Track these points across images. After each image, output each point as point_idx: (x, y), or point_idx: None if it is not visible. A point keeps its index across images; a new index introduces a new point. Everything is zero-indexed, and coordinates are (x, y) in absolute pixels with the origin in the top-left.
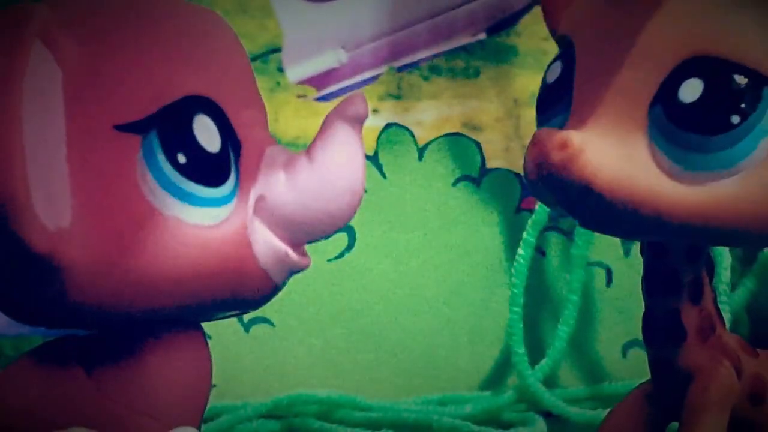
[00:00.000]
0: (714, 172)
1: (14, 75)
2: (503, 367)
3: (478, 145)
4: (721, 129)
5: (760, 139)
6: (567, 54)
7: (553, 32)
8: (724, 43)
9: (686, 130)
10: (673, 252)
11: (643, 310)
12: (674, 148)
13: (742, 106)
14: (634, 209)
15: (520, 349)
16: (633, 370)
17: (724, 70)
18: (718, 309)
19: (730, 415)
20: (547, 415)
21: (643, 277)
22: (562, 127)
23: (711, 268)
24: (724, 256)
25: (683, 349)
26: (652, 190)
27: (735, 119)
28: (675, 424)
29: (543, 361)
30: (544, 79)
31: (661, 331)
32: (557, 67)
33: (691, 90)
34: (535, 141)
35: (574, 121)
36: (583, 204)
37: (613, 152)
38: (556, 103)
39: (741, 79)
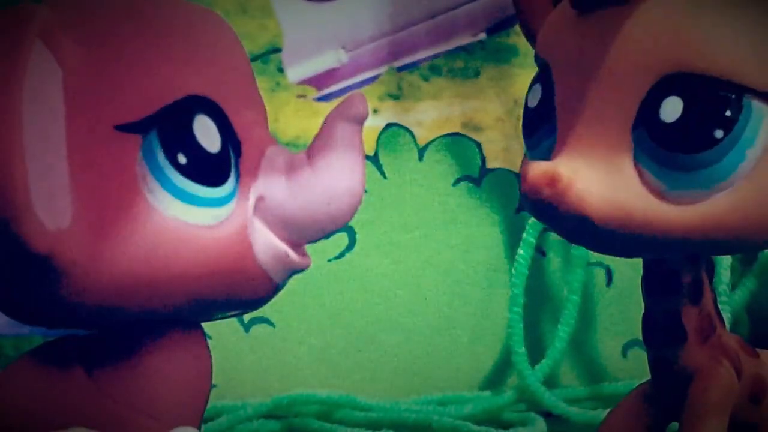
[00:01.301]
0: (705, 189)
1: (15, 75)
2: (503, 367)
3: (478, 145)
4: (705, 145)
5: (746, 150)
6: (545, 77)
7: (536, 55)
8: (698, 57)
9: (671, 150)
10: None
11: (643, 310)
12: (662, 168)
13: (725, 118)
14: (630, 233)
15: (520, 349)
16: (633, 370)
17: (701, 85)
18: (718, 309)
19: (731, 416)
20: (547, 415)
21: (643, 277)
22: (550, 151)
23: (711, 269)
24: (723, 257)
25: (683, 350)
26: (645, 214)
27: (719, 134)
28: (675, 425)
29: (543, 361)
30: (525, 102)
31: (661, 331)
32: (537, 91)
33: (671, 109)
34: (525, 176)
35: (560, 147)
36: (580, 232)
37: (602, 180)
38: (541, 126)
39: (720, 93)
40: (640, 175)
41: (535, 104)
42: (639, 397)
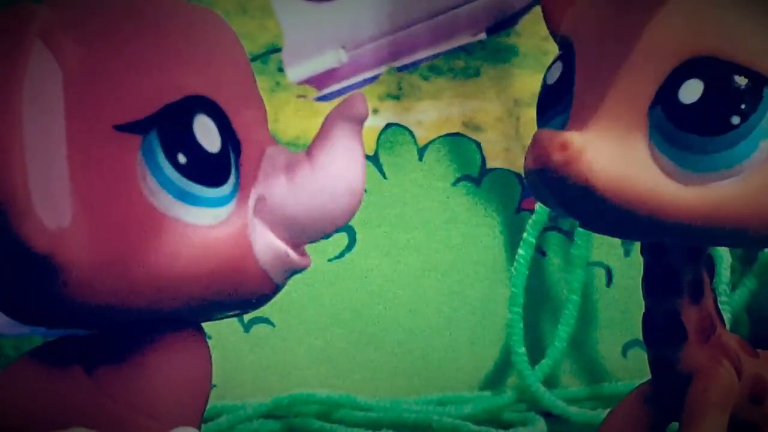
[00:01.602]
0: (714, 172)
1: (15, 75)
2: (503, 367)
3: (478, 145)
4: (721, 130)
5: (760, 140)
6: (567, 55)
7: (554, 34)
8: (724, 44)
9: (686, 130)
10: (673, 252)
11: (643, 310)
12: (674, 149)
13: (743, 106)
14: (634, 210)
15: (520, 349)
16: (633, 370)
17: (723, 70)
18: (718, 309)
19: (731, 416)
20: (547, 415)
21: (643, 277)
22: (562, 128)
23: (711, 269)
24: (724, 257)
25: (683, 350)
26: (651, 190)
27: (735, 120)
28: (675, 425)
29: (543, 361)
30: (544, 79)
31: (661, 331)
32: (558, 68)
33: (691, 91)
34: (536, 142)
35: (575, 122)
36: (584, 205)
37: (613, 153)
38: (557, 104)
39: (741, 80)
40: (652, 154)
41: (554, 81)
42: (639, 397)
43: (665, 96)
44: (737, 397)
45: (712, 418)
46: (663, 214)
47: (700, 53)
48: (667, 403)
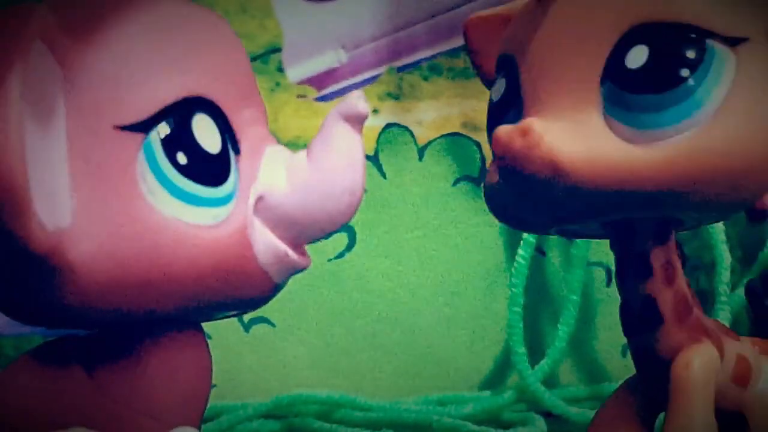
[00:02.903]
0: (672, 127)
1: (15, 75)
2: (503, 367)
3: (478, 145)
4: (672, 84)
5: (712, 89)
6: (509, 68)
7: (484, 78)
8: (660, 7)
9: (639, 92)
10: (641, 235)
11: (620, 303)
12: (630, 113)
13: (689, 58)
14: (603, 185)
15: (520, 349)
16: (633, 370)
17: (665, 31)
18: (693, 292)
19: (717, 401)
20: (547, 414)
21: (615, 271)
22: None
23: (682, 254)
24: (724, 257)
25: (662, 333)
26: (614, 159)
27: (684, 72)
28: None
29: (543, 361)
30: (490, 99)
31: (637, 317)
32: (501, 84)
33: (637, 56)
34: (497, 136)
35: (529, 115)
36: (548, 191)
37: (573, 133)
38: (506, 117)
39: (683, 35)
40: (610, 125)
41: (500, 96)
42: (627, 390)
43: (612, 68)
44: (721, 377)
45: (696, 393)
46: (629, 182)
47: (639, 21)
48: (653, 393)
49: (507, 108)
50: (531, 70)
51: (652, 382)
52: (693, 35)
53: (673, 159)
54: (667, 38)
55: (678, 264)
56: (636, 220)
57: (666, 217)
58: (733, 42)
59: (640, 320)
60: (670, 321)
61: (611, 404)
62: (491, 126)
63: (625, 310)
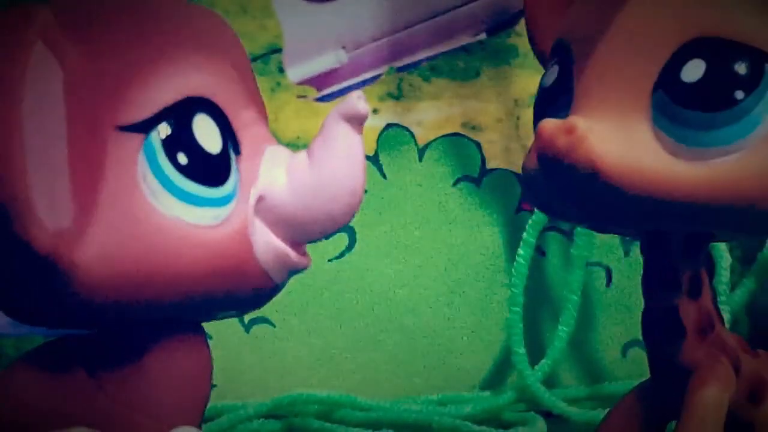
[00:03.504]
0: (719, 148)
1: (16, 75)
2: (503, 367)
3: (478, 145)
4: (725, 105)
5: (764, 114)
6: (564, 57)
7: (537, 50)
8: (723, 24)
9: (691, 108)
10: (673, 247)
11: (643, 308)
12: (679, 127)
13: (745, 80)
14: (640, 192)
15: (520, 349)
16: (633, 370)
17: (724, 48)
18: (717, 307)
19: (731, 415)
20: (547, 415)
21: (642, 275)
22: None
23: (711, 268)
24: (723, 257)
25: (682, 347)
26: (657, 171)
27: (739, 95)
28: (674, 424)
29: (543, 361)
30: (541, 83)
31: (659, 327)
32: (554, 71)
33: (693, 70)
34: (540, 131)
35: (578, 112)
36: (588, 194)
37: (617, 137)
38: (555, 105)
39: (742, 56)
40: (657, 136)
41: (551, 82)
42: (638, 396)
43: (667, 78)
44: (735, 395)
45: (709, 414)
46: (668, 193)
47: (699, 35)
48: (666, 401)
49: (556, 96)
50: (586, 66)
51: (666, 390)
52: (752, 57)
53: (717, 177)
54: (726, 57)
55: (705, 279)
56: (670, 231)
57: (699, 232)
58: None
59: (662, 331)
60: (691, 335)
61: (621, 408)
62: (538, 112)
63: (647, 319)
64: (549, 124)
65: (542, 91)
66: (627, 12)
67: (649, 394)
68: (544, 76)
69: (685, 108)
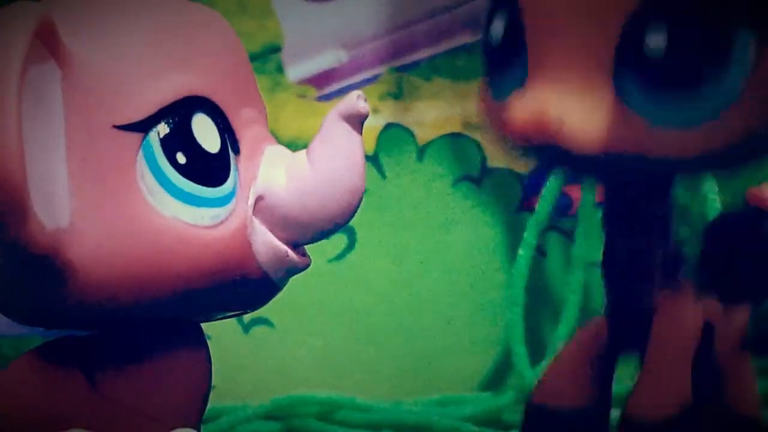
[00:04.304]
0: (691, 127)
1: (13, 75)
2: (503, 367)
3: (478, 145)
4: (694, 83)
5: (740, 77)
6: (510, 7)
7: None
8: None
9: (655, 85)
10: (637, 188)
11: (604, 246)
12: (645, 105)
13: (715, 51)
14: (621, 156)
15: (521, 350)
16: (633, 371)
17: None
18: (681, 256)
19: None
20: None
21: (603, 211)
22: (522, 84)
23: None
24: None
25: (646, 288)
26: (632, 139)
27: (709, 69)
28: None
29: (543, 362)
30: (485, 38)
31: (625, 269)
32: (500, 24)
33: (656, 38)
34: (511, 127)
35: (535, 81)
36: (569, 161)
37: (590, 115)
38: (508, 70)
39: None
40: (623, 111)
41: (499, 39)
42: (589, 331)
43: (627, 48)
44: (700, 334)
45: (676, 353)
46: (651, 155)
47: None
48: (621, 335)
49: (508, 57)
50: (537, 24)
51: (622, 325)
52: (718, 20)
53: (687, 140)
54: (690, 24)
55: (671, 222)
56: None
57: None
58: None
59: (628, 272)
60: (658, 277)
61: (570, 346)
62: (493, 76)
63: (609, 257)
64: (518, 120)
65: (490, 51)
66: None
67: (601, 329)
68: (489, 29)
69: (651, 85)
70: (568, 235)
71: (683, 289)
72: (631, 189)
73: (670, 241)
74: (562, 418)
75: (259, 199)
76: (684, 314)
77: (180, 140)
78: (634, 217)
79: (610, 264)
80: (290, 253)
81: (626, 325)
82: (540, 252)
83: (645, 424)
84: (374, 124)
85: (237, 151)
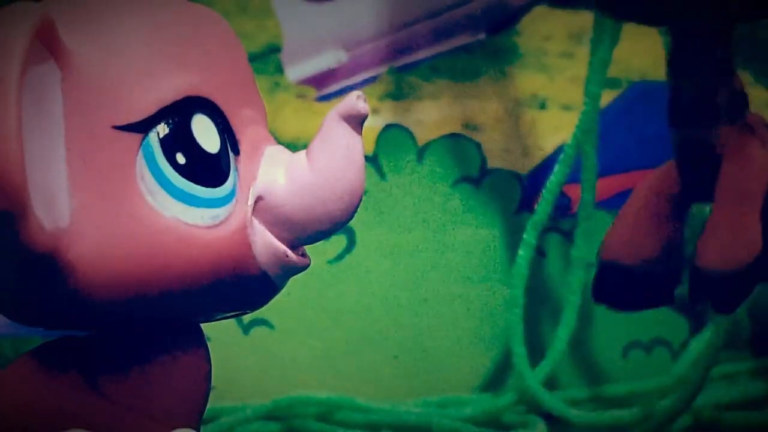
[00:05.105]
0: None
1: (12, 75)
2: (503, 368)
3: (478, 145)
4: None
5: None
6: None
7: None
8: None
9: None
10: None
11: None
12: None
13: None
14: None
15: (520, 350)
16: (633, 371)
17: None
18: (744, 93)
19: None
20: (548, 416)
21: (669, 57)
22: None
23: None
24: None
25: (713, 130)
26: None
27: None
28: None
29: (543, 363)
30: None
31: (690, 111)
32: None
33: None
34: None
35: None
36: None
37: None
38: None
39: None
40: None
41: None
42: (661, 176)
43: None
44: None
45: (753, 198)
46: None
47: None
48: (693, 181)
49: None
50: None
51: (694, 172)
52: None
53: None
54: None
55: (733, 61)
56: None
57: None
58: None
59: (693, 114)
60: (723, 120)
61: (642, 189)
62: None
63: (676, 101)
64: None
65: None
66: None
67: (672, 174)
68: None
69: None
70: (568, 236)
71: (750, 131)
72: (696, 31)
73: (734, 78)
74: (633, 273)
75: (258, 199)
76: (752, 160)
77: (180, 141)
78: (698, 58)
79: (675, 109)
80: (290, 253)
81: (695, 169)
82: (540, 253)
83: (716, 275)
84: (374, 125)
85: (237, 152)
